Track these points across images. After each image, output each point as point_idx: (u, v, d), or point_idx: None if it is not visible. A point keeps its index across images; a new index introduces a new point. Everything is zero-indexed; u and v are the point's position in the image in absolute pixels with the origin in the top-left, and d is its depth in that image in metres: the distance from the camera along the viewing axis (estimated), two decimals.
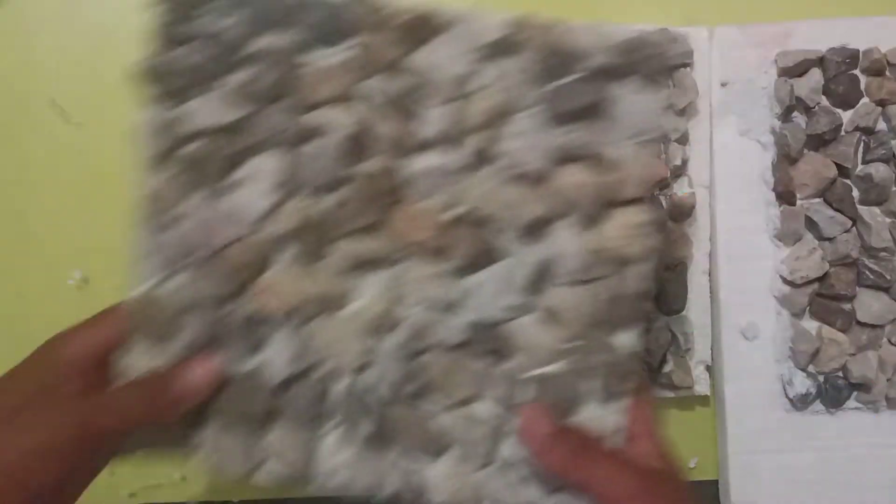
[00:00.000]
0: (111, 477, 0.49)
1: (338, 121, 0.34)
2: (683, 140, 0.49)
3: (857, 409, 0.48)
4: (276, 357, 0.34)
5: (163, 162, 0.34)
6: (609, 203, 0.35)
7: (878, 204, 0.49)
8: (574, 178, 0.34)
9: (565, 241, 0.35)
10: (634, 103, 0.34)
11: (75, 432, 0.30)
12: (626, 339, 0.35)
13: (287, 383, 0.34)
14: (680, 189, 0.49)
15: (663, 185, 0.49)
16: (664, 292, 0.49)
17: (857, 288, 0.48)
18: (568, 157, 0.35)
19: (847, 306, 0.48)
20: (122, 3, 0.54)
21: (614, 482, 0.32)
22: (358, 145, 0.34)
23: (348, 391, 0.34)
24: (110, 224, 0.51)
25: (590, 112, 0.34)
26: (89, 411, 0.31)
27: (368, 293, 0.35)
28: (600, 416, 0.35)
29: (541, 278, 0.35)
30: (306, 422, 0.34)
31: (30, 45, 0.50)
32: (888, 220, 0.48)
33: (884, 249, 0.48)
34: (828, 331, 0.48)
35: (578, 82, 0.34)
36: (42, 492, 0.30)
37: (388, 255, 0.35)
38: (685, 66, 0.49)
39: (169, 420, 0.33)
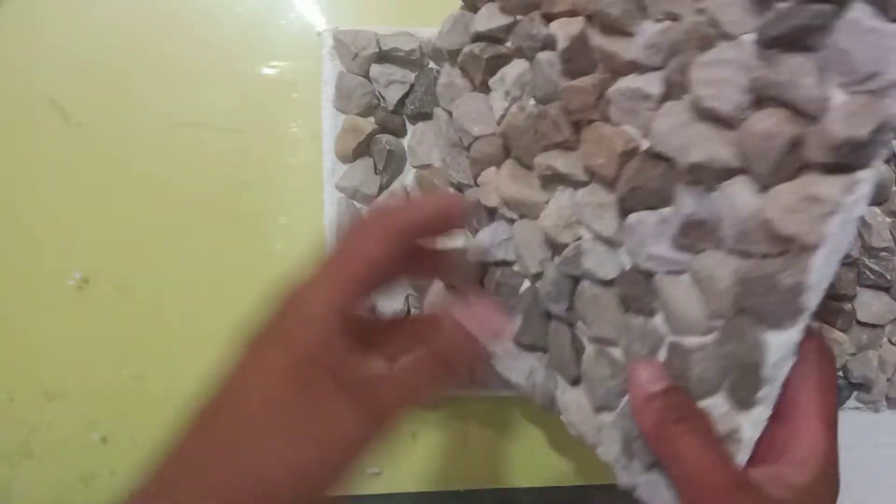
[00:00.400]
0: (111, 477, 0.49)
1: (562, 33, 0.34)
2: None
3: (857, 409, 0.48)
4: (484, 240, 0.38)
5: (455, 57, 0.39)
6: (796, 165, 0.27)
7: (878, 204, 0.49)
8: (765, 123, 0.27)
9: (734, 200, 0.29)
10: (866, 37, 0.25)
11: (360, 441, 0.25)
12: (771, 341, 0.28)
13: (487, 265, 0.38)
14: None
15: None
16: None
17: (858, 288, 0.48)
18: (765, 97, 0.28)
19: (847, 306, 0.48)
20: (122, 4, 0.54)
21: (697, 466, 0.26)
22: (574, 60, 0.34)
23: (529, 291, 0.37)
24: (110, 224, 0.51)
25: (804, 41, 0.27)
26: (380, 411, 0.25)
27: (554, 207, 0.36)
28: (724, 415, 0.29)
29: (697, 235, 0.30)
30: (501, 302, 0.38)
31: (30, 45, 0.50)
32: (888, 219, 0.48)
33: (884, 249, 0.48)
34: (828, 330, 0.48)
35: (800, 3, 0.26)
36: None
37: (575, 175, 0.35)
38: None
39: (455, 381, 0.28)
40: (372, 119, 0.49)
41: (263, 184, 0.52)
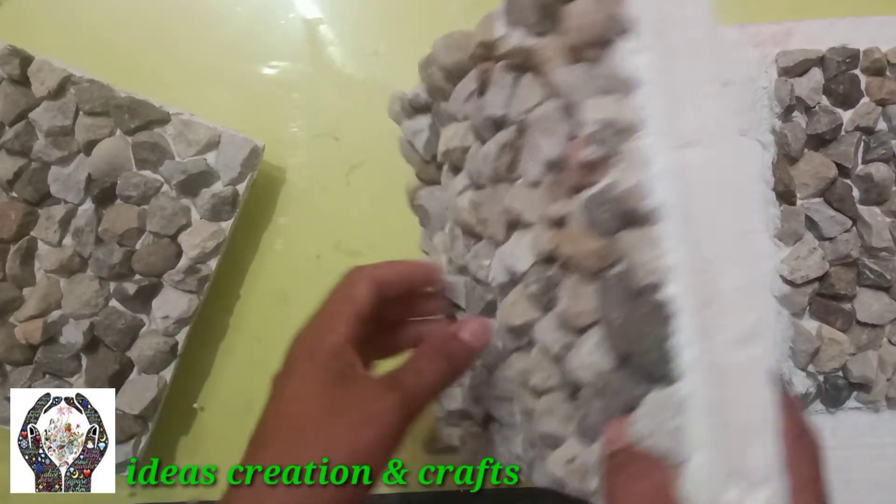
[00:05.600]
0: None
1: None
2: None
3: (857, 409, 0.48)
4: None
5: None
6: None
7: (878, 204, 0.49)
8: None
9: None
10: None
11: (401, 420, 0.28)
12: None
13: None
14: None
15: None
16: None
17: (858, 288, 0.48)
18: None
19: (847, 306, 0.48)
20: (122, 4, 0.54)
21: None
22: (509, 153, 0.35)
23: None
24: None
25: None
26: (407, 395, 0.29)
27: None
28: None
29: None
30: None
31: (30, 44, 0.50)
32: (888, 219, 0.48)
33: (884, 249, 0.48)
34: (828, 330, 0.48)
35: None
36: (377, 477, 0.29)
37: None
38: None
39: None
40: None
41: (264, 183, 0.52)
